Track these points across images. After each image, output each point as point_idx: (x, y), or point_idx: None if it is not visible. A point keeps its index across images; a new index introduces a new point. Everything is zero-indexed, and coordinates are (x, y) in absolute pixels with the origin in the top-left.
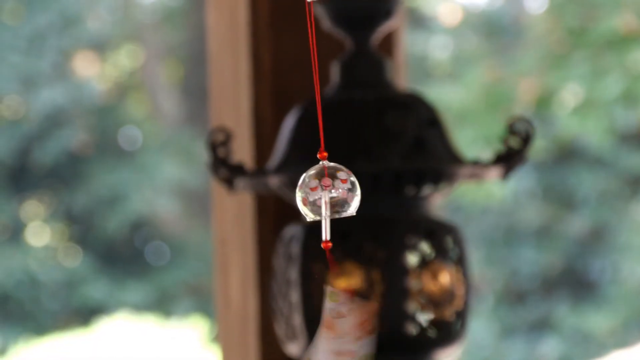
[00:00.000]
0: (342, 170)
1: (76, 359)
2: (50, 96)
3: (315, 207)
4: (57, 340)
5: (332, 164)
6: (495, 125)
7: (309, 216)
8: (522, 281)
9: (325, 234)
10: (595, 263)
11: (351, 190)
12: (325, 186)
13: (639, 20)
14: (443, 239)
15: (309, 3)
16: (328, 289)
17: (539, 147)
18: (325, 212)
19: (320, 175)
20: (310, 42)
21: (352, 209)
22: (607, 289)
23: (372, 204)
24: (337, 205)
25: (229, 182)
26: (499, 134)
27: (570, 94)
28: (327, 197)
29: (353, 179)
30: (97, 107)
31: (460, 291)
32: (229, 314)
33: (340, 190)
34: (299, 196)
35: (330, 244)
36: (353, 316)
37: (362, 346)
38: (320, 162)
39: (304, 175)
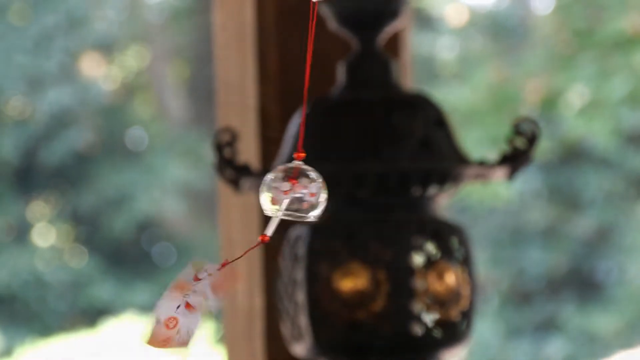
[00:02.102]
0: (312, 173)
1: None
2: (56, 97)
3: (275, 203)
4: (64, 341)
5: (305, 166)
6: (501, 125)
7: (267, 211)
8: (528, 282)
9: (270, 229)
10: (601, 264)
11: (316, 195)
12: (292, 185)
13: None
14: (449, 239)
15: (314, 3)
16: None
17: (544, 147)
18: (282, 208)
19: (288, 174)
20: (309, 42)
21: (314, 214)
22: (613, 289)
23: (378, 204)
24: (298, 208)
25: (235, 183)
26: (505, 134)
27: (577, 95)
28: (291, 195)
29: (321, 185)
30: (103, 107)
31: (466, 291)
32: (234, 314)
33: (304, 192)
34: (262, 190)
35: (267, 238)
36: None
37: (211, 304)
38: (293, 162)
39: (271, 171)
